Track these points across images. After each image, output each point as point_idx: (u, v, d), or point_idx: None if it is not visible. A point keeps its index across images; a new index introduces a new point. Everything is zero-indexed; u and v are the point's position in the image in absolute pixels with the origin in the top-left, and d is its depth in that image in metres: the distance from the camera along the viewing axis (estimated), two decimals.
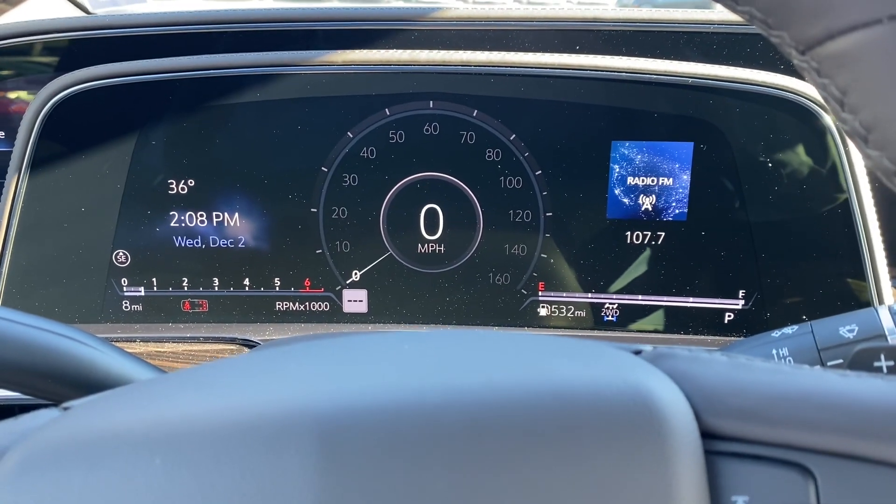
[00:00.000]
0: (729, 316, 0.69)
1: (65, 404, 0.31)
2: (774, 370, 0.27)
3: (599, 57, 0.65)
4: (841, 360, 0.44)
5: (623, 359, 0.29)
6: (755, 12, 0.25)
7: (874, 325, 0.44)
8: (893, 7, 0.23)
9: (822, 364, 0.44)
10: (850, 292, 0.66)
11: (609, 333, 0.71)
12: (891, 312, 0.45)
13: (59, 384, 0.43)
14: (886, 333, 0.44)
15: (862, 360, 0.35)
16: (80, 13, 0.94)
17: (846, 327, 0.45)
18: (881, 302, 0.66)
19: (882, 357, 0.34)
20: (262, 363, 0.30)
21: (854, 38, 0.23)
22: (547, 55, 0.66)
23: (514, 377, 0.27)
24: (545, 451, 0.25)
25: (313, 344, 0.31)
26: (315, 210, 0.69)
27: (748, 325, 0.69)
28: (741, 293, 0.69)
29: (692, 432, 0.26)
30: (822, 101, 0.63)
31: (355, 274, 0.71)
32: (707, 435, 0.26)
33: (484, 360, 0.29)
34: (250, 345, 0.70)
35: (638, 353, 0.31)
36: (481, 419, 0.25)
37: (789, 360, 0.45)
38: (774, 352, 0.46)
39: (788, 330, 0.47)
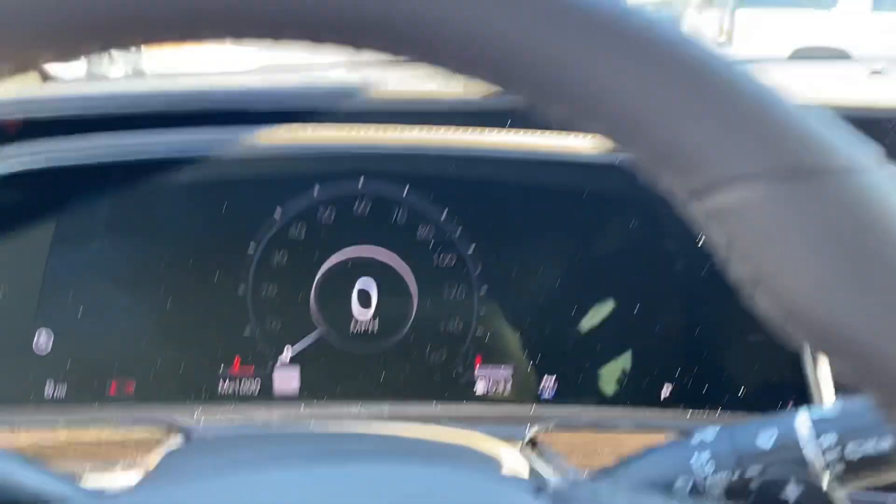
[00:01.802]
0: (666, 389, 0.69)
1: None
2: None
3: (530, 134, 0.65)
4: (760, 466, 0.43)
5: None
6: (640, 155, 0.24)
7: (792, 432, 0.44)
8: (771, 163, 0.22)
9: (743, 471, 0.44)
10: (787, 367, 0.66)
11: (548, 409, 0.70)
12: (809, 419, 0.44)
13: None
14: (803, 442, 0.43)
15: (770, 490, 0.34)
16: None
17: (765, 434, 0.44)
18: (817, 377, 0.65)
19: (789, 488, 0.34)
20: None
21: (736, 192, 0.23)
22: (478, 133, 0.65)
23: None
24: None
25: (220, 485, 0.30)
26: (243, 290, 0.68)
27: (685, 398, 0.69)
28: (678, 367, 0.68)
29: None
30: None
31: (286, 354, 0.69)
32: None
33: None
34: (177, 429, 0.68)
35: (545, 485, 0.30)
36: None
37: (711, 465, 0.44)
38: (694, 458, 0.45)
39: (708, 434, 0.46)
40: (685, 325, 0.67)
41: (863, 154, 0.23)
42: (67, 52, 0.23)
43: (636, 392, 0.69)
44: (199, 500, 0.29)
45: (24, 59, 0.23)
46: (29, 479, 0.43)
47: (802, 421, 0.44)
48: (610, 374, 0.69)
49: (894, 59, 1.24)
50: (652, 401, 0.69)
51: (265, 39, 0.23)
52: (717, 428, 0.47)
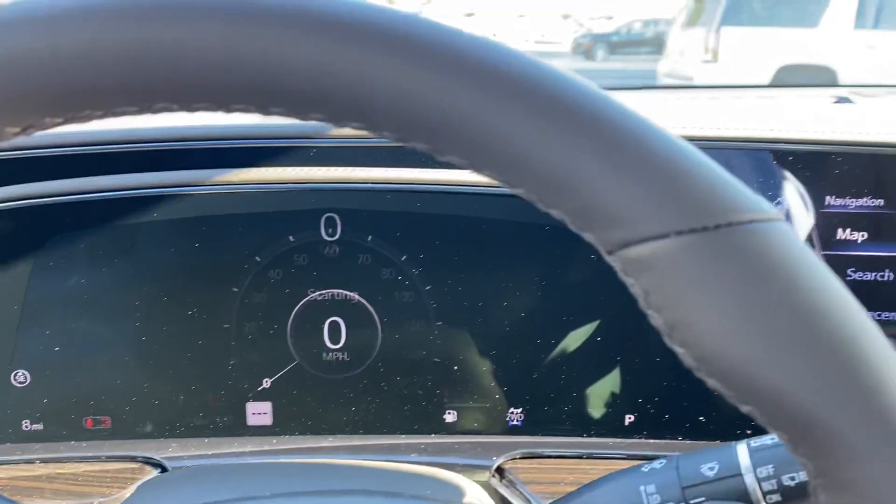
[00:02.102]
0: (629, 418, 0.71)
1: None
2: None
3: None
4: (703, 499, 0.45)
5: None
6: (563, 215, 0.26)
7: (733, 462, 0.46)
8: (679, 223, 0.24)
9: (686, 501, 0.46)
10: None
11: (515, 439, 0.72)
12: (748, 449, 0.46)
13: None
14: (742, 472, 0.45)
15: None
16: None
17: (707, 465, 0.46)
18: None
19: None
20: None
21: (648, 248, 0.25)
22: (440, 171, 0.67)
23: None
24: None
25: None
26: (218, 326, 0.70)
27: (648, 427, 0.71)
28: (640, 396, 0.70)
29: None
30: None
31: (262, 385, 0.71)
32: None
33: None
34: (152, 463, 0.69)
35: None
36: None
37: (655, 497, 0.46)
38: (642, 488, 0.47)
39: (657, 464, 0.48)
40: (647, 356, 0.69)
41: (760, 208, 0.25)
42: None
43: (600, 421, 0.71)
44: None
45: None
46: None
47: (742, 451, 0.46)
48: (575, 404, 0.71)
49: (860, 88, 1.28)
50: (615, 430, 0.71)
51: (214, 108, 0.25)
52: (665, 460, 0.49)
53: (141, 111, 0.26)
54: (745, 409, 0.26)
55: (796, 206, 0.68)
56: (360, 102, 0.24)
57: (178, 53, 0.24)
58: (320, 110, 0.25)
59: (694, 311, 0.25)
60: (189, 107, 0.26)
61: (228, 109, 0.26)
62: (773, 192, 0.68)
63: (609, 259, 0.26)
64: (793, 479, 0.45)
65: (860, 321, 0.25)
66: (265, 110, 0.25)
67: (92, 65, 0.23)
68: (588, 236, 0.26)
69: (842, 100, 1.12)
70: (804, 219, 0.68)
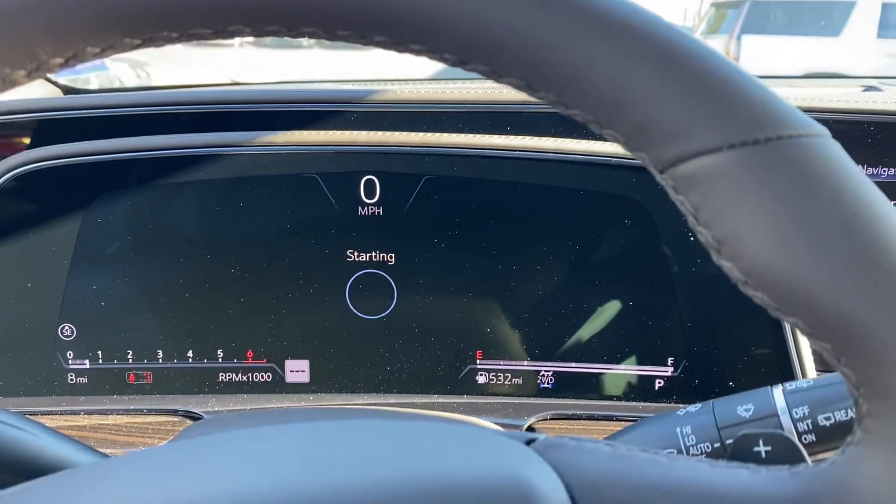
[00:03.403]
0: (659, 382, 0.72)
1: None
2: (650, 461, 0.29)
3: (528, 138, 0.69)
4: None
5: (512, 451, 0.31)
6: (618, 135, 0.27)
7: (768, 404, 0.47)
8: (731, 137, 0.26)
9: (722, 441, 0.47)
10: (773, 360, 0.69)
11: (546, 401, 0.73)
12: (784, 392, 0.47)
13: None
14: (778, 413, 0.46)
15: (743, 446, 0.37)
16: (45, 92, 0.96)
17: (743, 406, 0.47)
18: (803, 369, 0.68)
19: (761, 443, 0.37)
20: (179, 456, 0.32)
21: (700, 163, 0.26)
22: (480, 136, 0.69)
23: (401, 471, 0.29)
24: None
25: (229, 437, 0.33)
26: (257, 285, 0.71)
27: (677, 391, 0.71)
28: (670, 361, 0.71)
29: None
30: None
31: (298, 344, 0.73)
32: None
33: (377, 453, 0.31)
34: (192, 416, 0.71)
35: (532, 441, 0.33)
36: None
37: (692, 438, 0.47)
38: (679, 430, 0.48)
39: (693, 408, 0.49)
40: (678, 322, 0.70)
41: (808, 123, 0.26)
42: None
43: (631, 385, 0.72)
44: (211, 452, 0.32)
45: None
46: (53, 445, 0.46)
47: (777, 394, 0.47)
48: (606, 368, 0.72)
49: (888, 78, 1.28)
50: (646, 394, 0.72)
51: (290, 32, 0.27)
52: (700, 404, 0.50)
53: (215, 35, 0.27)
54: (789, 320, 0.27)
55: None
56: (424, 24, 0.26)
57: None
58: (384, 33, 0.27)
59: (743, 223, 0.26)
60: (261, 30, 0.27)
61: (298, 33, 0.27)
62: None
63: (661, 178, 0.27)
64: (827, 419, 0.46)
65: None
66: (332, 34, 0.27)
67: None
68: (641, 156, 0.27)
69: (870, 88, 1.13)
70: None
